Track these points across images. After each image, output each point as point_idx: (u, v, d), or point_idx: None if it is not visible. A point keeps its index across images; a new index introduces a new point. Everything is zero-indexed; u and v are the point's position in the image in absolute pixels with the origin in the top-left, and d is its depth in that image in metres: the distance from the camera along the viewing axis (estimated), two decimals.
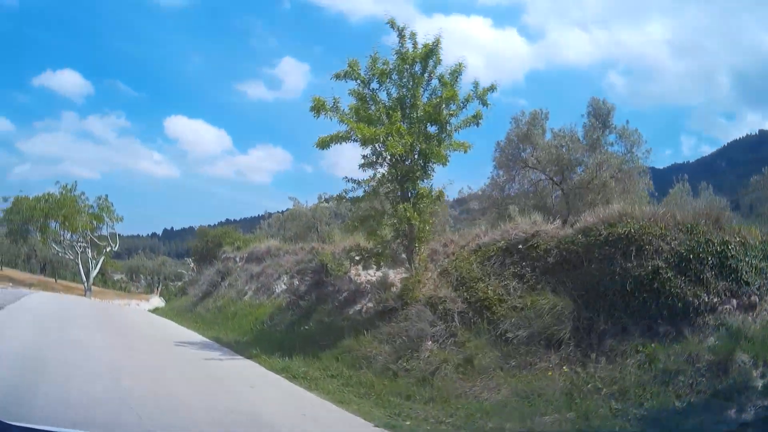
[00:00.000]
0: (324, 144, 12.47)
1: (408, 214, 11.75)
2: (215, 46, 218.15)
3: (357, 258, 13.65)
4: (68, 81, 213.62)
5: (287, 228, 31.08)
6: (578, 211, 15.19)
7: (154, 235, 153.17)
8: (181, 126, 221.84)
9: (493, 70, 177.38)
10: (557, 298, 9.60)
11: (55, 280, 56.81)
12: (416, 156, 12.41)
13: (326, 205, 29.10)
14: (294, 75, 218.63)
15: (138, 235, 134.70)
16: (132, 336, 15.56)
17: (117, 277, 70.70)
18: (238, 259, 24.79)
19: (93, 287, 45.22)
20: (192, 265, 40.50)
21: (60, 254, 47.37)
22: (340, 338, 12.15)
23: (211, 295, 23.53)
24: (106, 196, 45.52)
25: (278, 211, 38.20)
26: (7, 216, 43.22)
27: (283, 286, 18.74)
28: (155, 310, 30.59)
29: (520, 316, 9.85)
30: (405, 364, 10.26)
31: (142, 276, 65.15)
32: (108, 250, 45.53)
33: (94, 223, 45.60)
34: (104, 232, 46.57)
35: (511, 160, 19.62)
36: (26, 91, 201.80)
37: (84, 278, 43.80)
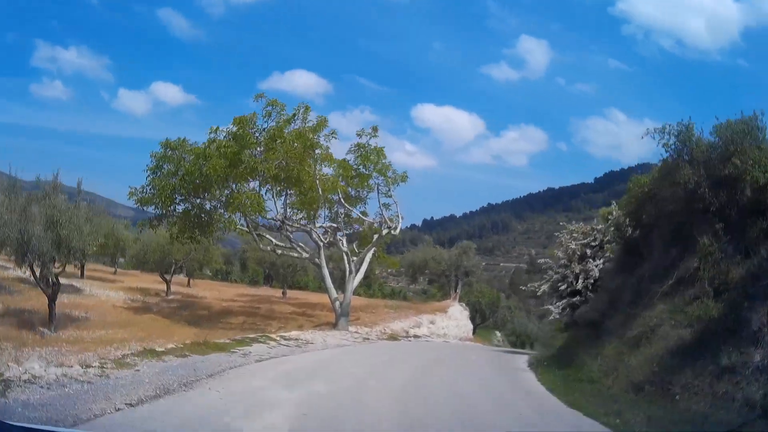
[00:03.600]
0: None
1: None
2: (453, 32, 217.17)
3: None
4: (301, 82, 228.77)
5: None
6: None
7: (413, 226, 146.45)
8: (430, 114, 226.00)
9: (713, 31, 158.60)
10: None
11: (283, 293, 39.30)
12: None
13: None
14: (535, 53, 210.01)
15: None
16: None
17: (385, 276, 51.71)
18: None
19: (353, 299, 25.11)
20: (607, 237, 16.21)
21: (282, 252, 26.60)
22: None
23: None
24: (375, 128, 24.55)
25: None
26: (151, 182, 22.11)
27: None
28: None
29: None
30: None
31: (429, 272, 44.41)
32: (385, 233, 24.37)
33: (350, 189, 25.23)
34: (371, 208, 25.91)
35: None
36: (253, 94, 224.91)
37: (332, 293, 23.53)
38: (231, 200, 21.52)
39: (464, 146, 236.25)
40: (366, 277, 52.38)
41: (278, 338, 17.86)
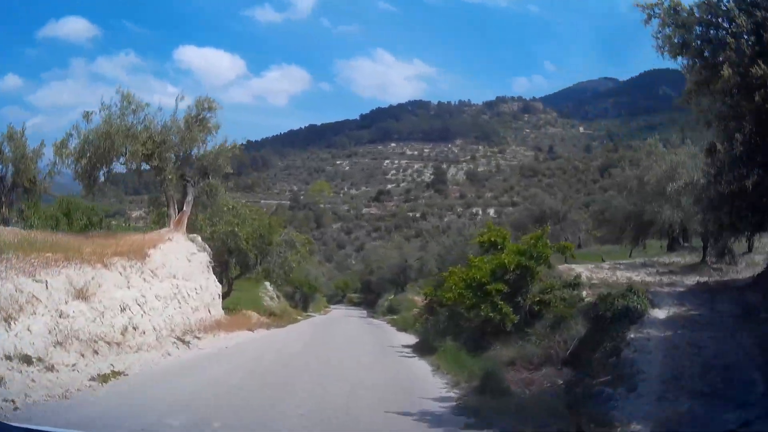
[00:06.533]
0: None
1: None
2: None
3: None
4: (74, 28, 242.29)
5: None
6: None
7: None
8: (191, 55, 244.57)
9: None
10: None
11: None
12: None
13: None
14: None
15: None
16: None
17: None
18: None
19: None
20: None
21: None
22: None
23: None
24: None
25: None
26: None
27: None
28: None
29: None
30: None
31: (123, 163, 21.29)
32: None
33: None
34: None
35: None
36: (33, 44, 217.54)
37: None
38: None
39: (224, 86, 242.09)
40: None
41: None
